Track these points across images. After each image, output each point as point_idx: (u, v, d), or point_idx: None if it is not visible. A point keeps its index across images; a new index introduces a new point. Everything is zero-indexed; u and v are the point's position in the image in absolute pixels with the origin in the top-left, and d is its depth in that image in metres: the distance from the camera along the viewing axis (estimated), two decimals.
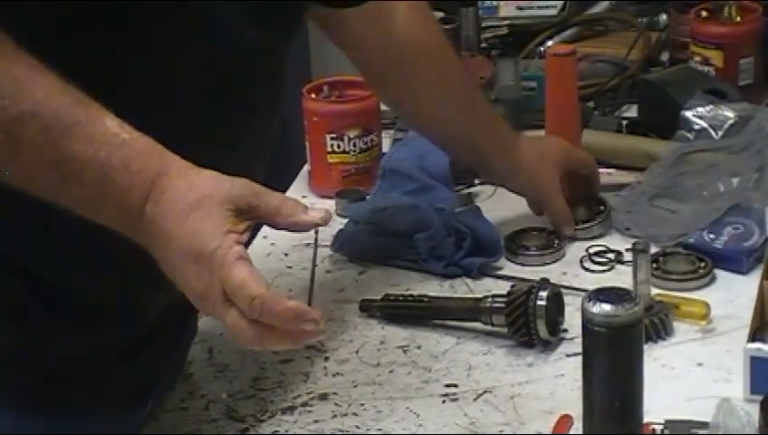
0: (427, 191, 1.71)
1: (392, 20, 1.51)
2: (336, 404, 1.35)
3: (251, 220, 1.07)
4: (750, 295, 1.43)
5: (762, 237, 1.56)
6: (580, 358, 1.19)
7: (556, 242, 1.62)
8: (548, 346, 1.41)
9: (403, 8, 1.52)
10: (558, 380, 1.36)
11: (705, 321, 1.44)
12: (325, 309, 1.53)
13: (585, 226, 1.65)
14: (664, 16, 2.22)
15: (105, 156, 1.05)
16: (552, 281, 1.46)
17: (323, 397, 1.37)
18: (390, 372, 1.41)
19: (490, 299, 1.44)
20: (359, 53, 1.52)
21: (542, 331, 1.40)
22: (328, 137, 1.78)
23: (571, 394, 1.30)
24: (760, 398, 1.19)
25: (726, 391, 1.28)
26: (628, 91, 2.03)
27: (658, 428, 1.25)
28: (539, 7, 2.24)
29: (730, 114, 1.79)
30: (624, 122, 1.92)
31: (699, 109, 1.80)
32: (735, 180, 1.68)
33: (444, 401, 1.35)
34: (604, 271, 1.58)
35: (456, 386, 1.37)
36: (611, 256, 1.60)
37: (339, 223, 1.70)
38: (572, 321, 1.40)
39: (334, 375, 1.40)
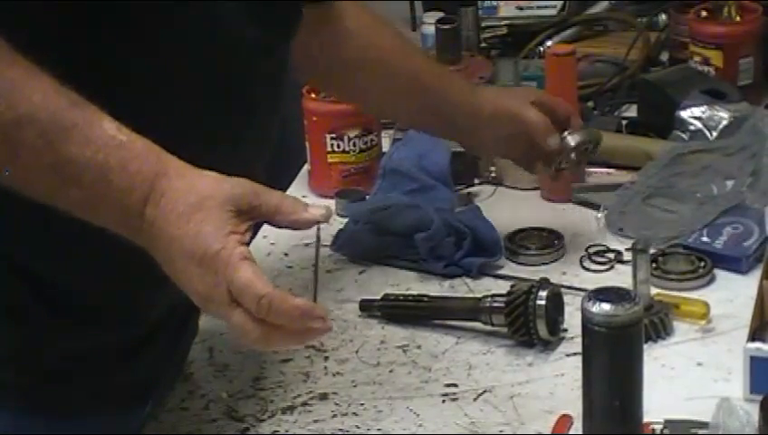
0: (427, 191, 1.71)
1: (342, 23, 1.51)
2: (336, 404, 1.35)
3: (252, 220, 1.07)
4: (749, 295, 1.43)
5: (761, 237, 1.56)
6: (579, 358, 1.19)
7: (556, 242, 1.62)
8: (548, 346, 1.42)
9: (352, 10, 1.52)
10: (558, 379, 1.37)
11: (705, 320, 1.44)
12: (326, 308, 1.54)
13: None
14: (663, 16, 2.22)
15: (103, 158, 1.05)
16: (551, 281, 1.46)
17: (323, 397, 1.37)
18: (390, 371, 1.41)
19: (490, 299, 1.44)
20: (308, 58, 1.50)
21: (542, 330, 1.40)
22: (328, 137, 1.78)
23: (571, 394, 1.30)
24: (760, 398, 1.19)
25: (726, 391, 1.28)
26: (627, 91, 2.03)
27: (658, 427, 1.25)
28: (538, 7, 2.24)
29: (725, 115, 1.79)
30: (623, 122, 1.92)
31: (694, 109, 1.80)
32: (729, 183, 1.68)
33: (444, 401, 1.35)
34: (604, 271, 1.58)
35: (455, 386, 1.37)
36: (611, 255, 1.60)
37: (339, 223, 1.70)
38: (572, 320, 1.40)
39: (334, 375, 1.41)
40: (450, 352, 1.43)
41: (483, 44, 2.18)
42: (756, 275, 1.47)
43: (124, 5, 1.11)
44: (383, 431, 1.31)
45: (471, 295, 1.51)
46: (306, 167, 1.84)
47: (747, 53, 1.99)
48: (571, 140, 1.57)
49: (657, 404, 1.25)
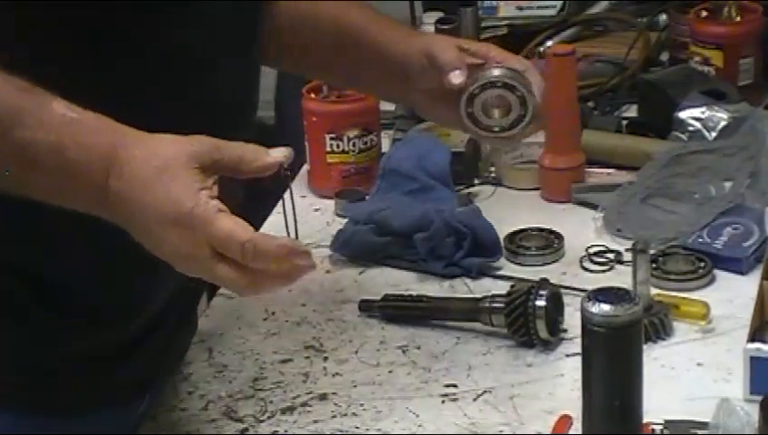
0: (427, 191, 1.71)
1: None
2: (335, 404, 1.35)
3: (216, 174, 1.07)
4: (749, 295, 1.43)
5: (761, 238, 1.56)
6: (579, 358, 1.19)
7: (556, 242, 1.62)
8: (547, 346, 1.41)
9: None
10: (557, 380, 1.36)
11: (705, 321, 1.44)
12: (325, 309, 1.54)
13: (507, 132, 1.38)
14: (663, 16, 2.22)
15: (56, 138, 1.05)
16: (551, 281, 1.45)
17: (323, 397, 1.36)
18: (390, 372, 1.41)
19: (489, 299, 1.44)
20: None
21: (542, 331, 1.40)
22: (327, 137, 1.78)
23: (571, 394, 1.30)
24: (759, 398, 1.19)
25: (726, 391, 1.28)
26: (627, 91, 2.03)
27: (658, 428, 1.25)
28: (538, 7, 2.24)
29: (723, 115, 1.79)
30: (624, 122, 1.92)
31: (693, 110, 1.80)
32: (728, 184, 1.68)
33: (443, 402, 1.35)
34: (604, 271, 1.58)
35: (455, 386, 1.37)
36: (611, 256, 1.60)
37: (338, 223, 1.70)
38: (572, 321, 1.39)
39: (334, 375, 1.40)
40: (450, 353, 1.43)
41: None
42: (756, 275, 1.47)
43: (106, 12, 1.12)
44: (383, 432, 1.30)
45: (471, 296, 1.51)
46: (306, 167, 1.84)
47: (747, 53, 1.99)
48: (484, 76, 1.37)
49: (656, 404, 1.25)
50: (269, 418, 1.34)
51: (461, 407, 1.33)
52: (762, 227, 1.56)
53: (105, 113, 1.07)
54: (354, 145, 1.79)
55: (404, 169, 1.73)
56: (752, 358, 1.28)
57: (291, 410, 1.35)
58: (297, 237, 1.12)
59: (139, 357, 1.32)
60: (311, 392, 1.37)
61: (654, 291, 1.45)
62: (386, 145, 1.86)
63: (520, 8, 2.24)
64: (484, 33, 2.19)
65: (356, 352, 1.45)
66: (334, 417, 1.33)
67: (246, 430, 1.32)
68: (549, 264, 1.60)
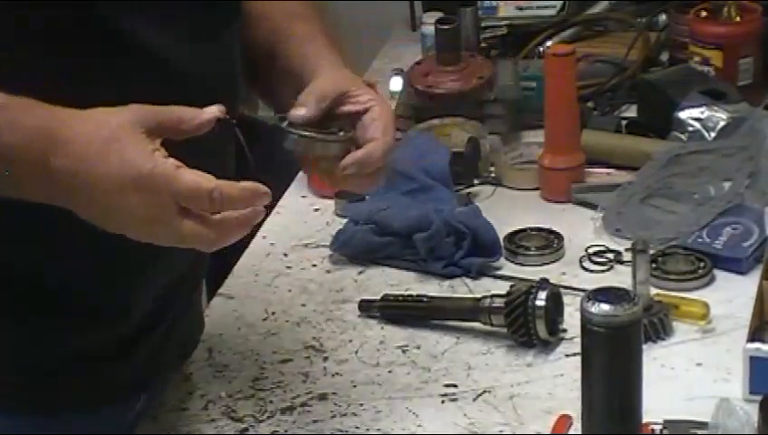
0: (427, 191, 1.71)
1: None
2: (335, 404, 1.35)
3: (161, 137, 1.07)
4: (749, 295, 1.43)
5: (761, 238, 1.56)
6: (579, 358, 1.19)
7: (555, 242, 1.62)
8: (547, 346, 1.41)
9: None
10: (557, 380, 1.37)
11: (705, 321, 1.44)
12: (325, 309, 1.54)
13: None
14: (663, 16, 2.22)
15: None
16: (551, 281, 1.45)
17: (322, 397, 1.37)
18: (389, 372, 1.41)
19: (489, 299, 1.44)
20: None
21: (542, 331, 1.40)
22: None
23: (571, 394, 1.30)
24: (759, 398, 1.19)
25: (725, 391, 1.29)
26: (627, 91, 2.03)
27: (657, 428, 1.25)
28: (538, 7, 2.24)
29: (723, 115, 1.79)
30: (623, 122, 1.92)
31: (693, 110, 1.80)
32: (727, 185, 1.68)
33: (443, 402, 1.35)
34: (603, 271, 1.58)
35: (455, 386, 1.37)
36: (611, 256, 1.60)
37: (338, 223, 1.70)
38: (572, 321, 1.40)
39: (333, 375, 1.41)
40: (449, 353, 1.43)
41: (482, 44, 2.18)
42: (756, 275, 1.47)
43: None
44: (382, 432, 1.31)
45: (470, 296, 1.51)
46: None
47: (747, 54, 1.99)
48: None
49: (656, 404, 1.25)
50: (269, 418, 1.34)
51: (461, 407, 1.33)
52: (761, 226, 1.57)
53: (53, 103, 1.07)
54: None
55: (404, 169, 1.73)
56: (751, 358, 1.28)
57: (290, 409, 1.35)
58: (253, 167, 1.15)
59: (138, 356, 1.32)
60: (310, 392, 1.37)
61: (654, 291, 1.46)
62: None
63: (520, 8, 2.24)
64: (483, 33, 2.19)
65: (356, 352, 1.45)
66: (334, 417, 1.33)
67: (246, 430, 1.33)
68: (548, 264, 1.60)
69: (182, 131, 1.09)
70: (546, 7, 2.24)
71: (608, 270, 1.58)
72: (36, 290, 1.22)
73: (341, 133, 1.23)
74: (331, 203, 1.76)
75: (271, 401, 1.36)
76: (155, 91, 1.12)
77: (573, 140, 1.77)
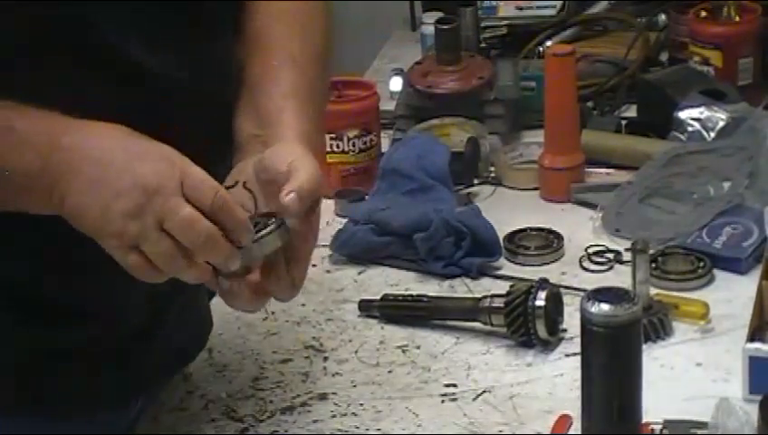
0: (426, 191, 1.71)
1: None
2: (335, 404, 1.35)
3: None
4: (749, 295, 1.43)
5: (760, 237, 1.56)
6: (579, 358, 1.19)
7: (555, 242, 1.62)
8: (547, 346, 1.42)
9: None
10: (557, 380, 1.37)
11: (704, 321, 1.44)
12: (325, 309, 1.54)
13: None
14: (663, 16, 2.22)
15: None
16: (551, 281, 1.46)
17: (323, 397, 1.37)
18: (389, 371, 1.41)
19: (489, 299, 1.44)
20: None
21: (541, 331, 1.40)
22: (327, 137, 1.78)
23: (570, 394, 1.30)
24: (759, 398, 1.19)
25: (725, 391, 1.29)
26: (627, 91, 2.03)
27: (657, 428, 1.25)
28: (538, 7, 2.24)
29: (722, 115, 1.79)
30: (623, 122, 1.92)
31: (692, 110, 1.80)
32: (726, 185, 1.68)
33: (443, 401, 1.35)
34: (603, 271, 1.58)
35: (455, 386, 1.37)
36: (610, 255, 1.60)
37: (338, 223, 1.70)
38: (571, 321, 1.40)
39: (333, 375, 1.41)
40: (449, 353, 1.43)
41: (482, 44, 2.18)
42: (756, 275, 1.47)
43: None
44: (382, 432, 1.31)
45: (470, 296, 1.51)
46: None
47: (747, 53, 1.99)
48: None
49: (656, 404, 1.25)
50: (269, 418, 1.34)
51: (461, 407, 1.34)
52: (761, 226, 1.56)
53: None
54: (354, 145, 1.79)
55: (403, 169, 1.73)
56: (751, 358, 1.28)
57: (290, 409, 1.35)
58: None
59: (137, 357, 1.32)
60: (310, 392, 1.38)
61: (653, 291, 1.46)
62: (385, 145, 1.86)
63: (520, 8, 2.25)
64: (483, 33, 2.19)
65: (356, 351, 1.45)
66: (334, 417, 1.33)
67: (246, 429, 1.33)
68: (548, 264, 1.60)
69: None
70: (546, 7, 2.24)
71: (607, 270, 1.58)
72: (35, 292, 1.22)
73: (272, 221, 1.11)
74: (330, 203, 1.76)
75: (271, 401, 1.37)
76: (142, 105, 1.12)
77: (573, 140, 1.77)
